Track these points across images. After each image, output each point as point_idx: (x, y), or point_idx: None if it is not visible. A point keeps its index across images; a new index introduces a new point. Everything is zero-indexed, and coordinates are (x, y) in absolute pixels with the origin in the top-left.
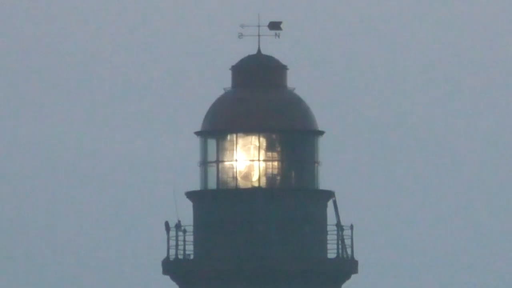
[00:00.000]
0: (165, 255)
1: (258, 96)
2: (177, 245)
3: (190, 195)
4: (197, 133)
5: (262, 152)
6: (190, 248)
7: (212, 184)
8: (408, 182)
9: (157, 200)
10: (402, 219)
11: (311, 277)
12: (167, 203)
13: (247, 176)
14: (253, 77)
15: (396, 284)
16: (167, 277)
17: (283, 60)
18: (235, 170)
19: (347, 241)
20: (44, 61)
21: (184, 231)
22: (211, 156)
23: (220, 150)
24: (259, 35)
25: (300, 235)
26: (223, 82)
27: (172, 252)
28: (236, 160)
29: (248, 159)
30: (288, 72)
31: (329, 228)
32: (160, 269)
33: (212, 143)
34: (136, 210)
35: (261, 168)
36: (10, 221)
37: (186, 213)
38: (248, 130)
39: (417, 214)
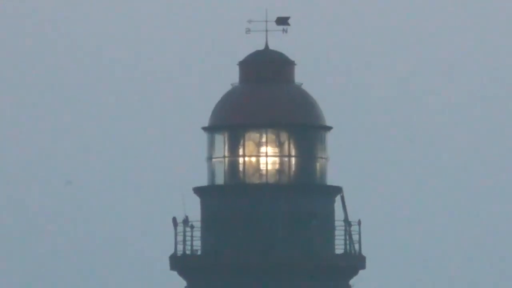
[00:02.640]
0: (172, 250)
1: (266, 91)
2: (184, 240)
3: (198, 190)
4: (205, 129)
5: (270, 147)
6: (197, 243)
7: (219, 180)
8: (416, 178)
9: (164, 195)
10: (409, 215)
11: (318, 272)
12: (175, 199)
13: (254, 172)
14: (260, 73)
15: (404, 279)
16: (175, 273)
17: (291, 56)
18: (242, 165)
19: (355, 237)
20: (48, 54)
21: (192, 227)
22: (219, 152)
23: (227, 145)
24: (266, 31)
25: (308, 230)
26: (231, 77)
27: (180, 247)
28: (243, 156)
29: (255, 154)
30: (296, 67)
31: (336, 223)
32: (168, 264)
33: (219, 139)
34: (144, 206)
35: (269, 163)
36: (20, 217)
37: (193, 208)
38: (255, 125)
39: (425, 209)
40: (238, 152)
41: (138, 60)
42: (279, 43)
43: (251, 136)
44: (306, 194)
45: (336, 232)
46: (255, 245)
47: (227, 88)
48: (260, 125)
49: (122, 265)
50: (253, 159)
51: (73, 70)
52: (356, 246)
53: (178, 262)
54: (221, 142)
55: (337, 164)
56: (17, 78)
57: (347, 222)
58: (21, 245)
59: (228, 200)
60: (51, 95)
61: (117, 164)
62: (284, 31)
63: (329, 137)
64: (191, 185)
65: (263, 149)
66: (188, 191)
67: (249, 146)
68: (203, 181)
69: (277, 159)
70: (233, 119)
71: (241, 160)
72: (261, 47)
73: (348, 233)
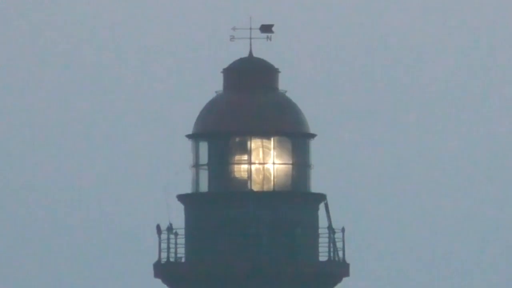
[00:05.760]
0: (156, 258)
1: (250, 99)
2: (168, 248)
3: (182, 198)
4: (189, 136)
5: (254, 155)
6: (181, 251)
7: (203, 187)
8: (400, 185)
9: (148, 203)
10: (393, 222)
11: (302, 280)
12: (159, 206)
13: (238, 179)
14: (244, 80)
15: (388, 287)
16: (159, 280)
17: (275, 63)
18: (226, 173)
19: (339, 244)
20: (39, 58)
21: (176, 234)
22: (203, 159)
23: (211, 153)
24: (250, 38)
25: (292, 238)
26: (215, 85)
27: (164, 255)
28: (227, 163)
29: (239, 162)
30: (280, 75)
31: (320, 231)
32: (152, 272)
33: (203, 146)
34: (128, 213)
35: (253, 171)
36: (6, 226)
37: (177, 216)
38: (239, 133)
39: (409, 216)
40: (222, 159)
41: (122, 67)
42: (263, 50)
43: (235, 144)
44: (290, 202)
45: (320, 240)
46: (239, 253)
47: (211, 95)
48: (244, 133)
49: (106, 273)
50: (237, 166)
51: (58, 83)
52: (340, 253)
53: (162, 270)
54: (205, 150)
55: (321, 172)
56: (11, 77)
57: (331, 230)
58: (11, 256)
59: (212, 208)
60: (36, 104)
61: (101, 171)
62: (268, 38)
63: (313, 144)
64: (175, 193)
65: (247, 156)
66: (172, 199)
67: (233, 153)
68: (187, 189)
69: (261, 167)
70: (217, 127)
71: (225, 167)
72: (245, 54)
73: (332, 241)
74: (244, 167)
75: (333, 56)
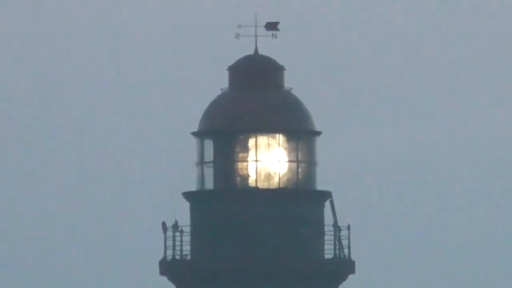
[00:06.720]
0: (162, 255)
1: (255, 96)
2: (174, 245)
3: (187, 195)
4: (194, 134)
5: (259, 152)
6: (187, 248)
7: (209, 185)
8: (406, 182)
9: (154, 200)
10: (399, 220)
11: (308, 277)
12: (164, 204)
13: (244, 177)
14: (250, 78)
15: (393, 284)
16: (164, 278)
17: (280, 61)
18: (232, 170)
19: (344, 242)
20: (42, 58)
21: (181, 232)
22: (208, 157)
23: (217, 150)
24: (256, 36)
25: (297, 235)
26: (220, 82)
27: (169, 252)
28: (233, 161)
29: (244, 160)
30: (285, 72)
31: (326, 228)
32: (157, 269)
33: (209, 144)
34: (133, 211)
35: (258, 169)
36: (7, 226)
37: (183, 213)
38: (245, 130)
39: (415, 214)
40: (227, 157)
41: (127, 65)
42: (269, 48)
43: (241, 141)
44: (295, 199)
45: (326, 237)
46: (245, 250)
47: (216, 93)
48: (250, 130)
49: (112, 270)
50: (243, 164)
51: (64, 77)
52: (346, 251)
53: (168, 267)
54: (211, 147)
55: (326, 169)
56: (11, 77)
57: (337, 227)
58: (13, 256)
59: (218, 205)
60: (37, 99)
61: (106, 168)
62: (274, 36)
63: (318, 142)
64: (181, 190)
65: (252, 154)
66: (177, 196)
67: (239, 151)
68: (193, 186)
69: (266, 164)
70: (223, 124)
71: (230, 165)
72: (250, 52)
73: (337, 238)
74: (250, 164)
75: (339, 53)
